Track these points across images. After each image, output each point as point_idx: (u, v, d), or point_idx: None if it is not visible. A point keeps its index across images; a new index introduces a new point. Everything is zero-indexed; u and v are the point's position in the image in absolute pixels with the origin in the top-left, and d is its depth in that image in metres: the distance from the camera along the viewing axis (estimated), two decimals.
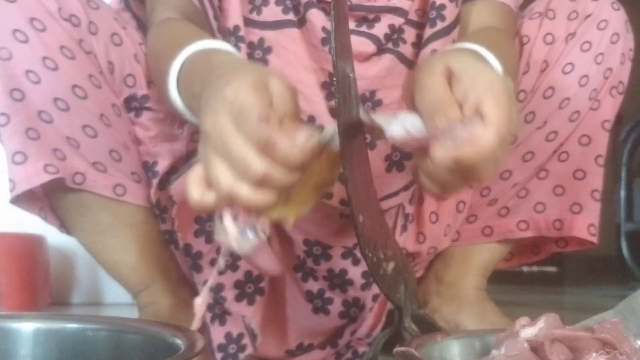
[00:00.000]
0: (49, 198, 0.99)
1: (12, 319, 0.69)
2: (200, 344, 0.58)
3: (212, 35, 0.91)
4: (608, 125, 1.07)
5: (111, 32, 0.98)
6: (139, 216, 1.00)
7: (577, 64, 1.04)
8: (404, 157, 0.96)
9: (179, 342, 0.60)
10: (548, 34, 1.05)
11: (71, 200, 0.97)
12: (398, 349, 0.59)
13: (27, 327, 0.68)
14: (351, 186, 0.67)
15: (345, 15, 0.69)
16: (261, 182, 0.59)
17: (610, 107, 1.06)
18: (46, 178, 0.90)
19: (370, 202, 0.74)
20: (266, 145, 0.58)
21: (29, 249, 1.66)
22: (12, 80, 0.89)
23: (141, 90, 1.00)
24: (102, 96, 0.96)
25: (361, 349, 1.02)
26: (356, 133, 0.70)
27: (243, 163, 0.58)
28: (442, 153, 0.61)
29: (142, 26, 1.05)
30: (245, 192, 0.59)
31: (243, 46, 0.93)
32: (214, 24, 0.92)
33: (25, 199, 0.97)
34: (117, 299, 1.80)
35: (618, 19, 1.03)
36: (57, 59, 0.91)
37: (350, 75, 0.68)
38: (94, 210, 0.97)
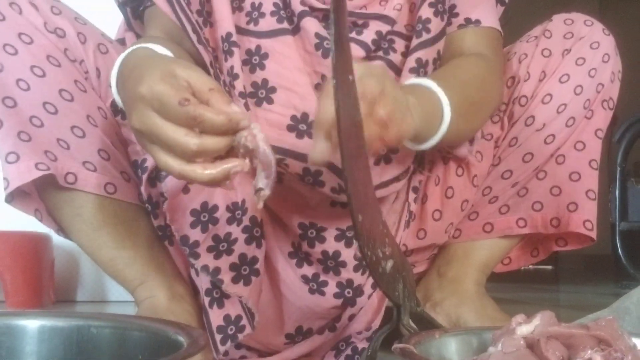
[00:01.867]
0: (44, 200, 1.03)
1: (17, 317, 0.70)
2: (202, 341, 0.59)
3: (193, 46, 0.97)
4: (601, 134, 1.14)
5: (98, 42, 1.05)
6: (130, 213, 1.03)
7: (572, 75, 1.11)
8: (390, 150, 0.99)
9: (181, 339, 0.61)
10: (545, 49, 1.13)
11: (64, 201, 1.00)
12: (397, 345, 0.60)
13: (32, 325, 0.69)
14: (351, 186, 0.68)
15: (344, 19, 0.70)
16: (199, 155, 0.67)
17: (602, 118, 1.13)
18: (37, 174, 0.94)
19: (369, 201, 0.75)
20: (194, 121, 0.66)
21: (34, 247, 1.67)
22: (4, 90, 0.95)
23: None
24: (87, 100, 1.01)
25: (360, 345, 1.04)
26: (356, 134, 0.71)
27: (178, 146, 0.67)
28: None
29: None
30: (195, 171, 0.68)
31: (237, 50, 0.99)
32: (194, 37, 0.96)
33: (21, 199, 1.02)
34: (121, 297, 1.80)
35: (609, 42, 1.12)
36: (45, 66, 0.97)
37: (350, 77, 0.69)
38: (86, 209, 1.00)
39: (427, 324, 0.83)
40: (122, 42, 1.13)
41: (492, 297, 1.18)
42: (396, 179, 1.02)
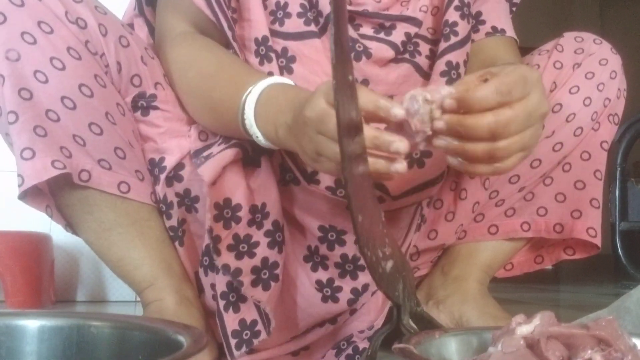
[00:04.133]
0: (55, 197, 1.00)
1: (17, 317, 0.70)
2: (202, 341, 0.59)
3: (228, 44, 0.97)
4: (606, 146, 1.17)
5: (119, 35, 1.01)
6: (142, 213, 1.02)
7: (582, 88, 1.14)
8: (423, 154, 1.00)
9: (181, 339, 0.61)
10: (557, 61, 1.16)
11: (77, 198, 0.98)
12: (397, 345, 0.60)
13: (32, 325, 0.69)
14: (350, 186, 0.68)
15: (344, 19, 0.70)
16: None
17: (608, 131, 1.16)
18: (53, 173, 0.91)
19: (369, 201, 0.75)
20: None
21: (34, 248, 1.66)
22: (20, 80, 0.91)
23: (148, 89, 1.03)
24: (107, 95, 0.98)
25: (361, 345, 1.04)
26: (356, 135, 0.71)
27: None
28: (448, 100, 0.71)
29: (153, 31, 1.10)
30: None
31: (274, 55, 0.99)
32: (229, 33, 0.96)
33: (33, 196, 0.99)
34: (121, 297, 1.81)
35: (616, 61, 1.15)
36: (65, 59, 0.93)
37: (350, 77, 0.69)
38: (99, 207, 0.98)
39: (427, 324, 0.83)
40: (130, 27, 1.11)
41: (493, 297, 1.19)
42: (431, 182, 1.02)
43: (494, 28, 1.13)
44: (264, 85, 0.87)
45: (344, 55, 0.68)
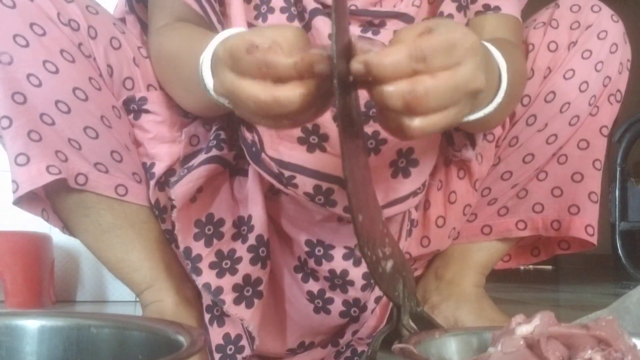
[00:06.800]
0: (51, 200, 1.00)
1: (17, 317, 0.69)
2: (202, 341, 0.59)
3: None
4: (606, 131, 1.10)
5: (110, 37, 0.99)
6: (140, 215, 1.01)
7: (577, 71, 1.06)
8: (409, 163, 0.96)
9: (181, 339, 0.61)
10: (552, 41, 1.08)
11: (73, 202, 0.97)
12: (397, 345, 0.60)
13: (32, 325, 0.69)
14: (350, 186, 0.68)
15: (345, 16, 0.69)
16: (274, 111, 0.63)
17: (608, 114, 1.09)
18: (49, 179, 0.90)
19: (369, 201, 0.75)
20: (265, 68, 0.61)
21: (34, 247, 1.66)
22: (13, 84, 0.90)
23: (139, 92, 1.01)
24: (102, 98, 0.97)
25: (360, 348, 1.03)
26: (356, 134, 0.71)
27: (256, 105, 0.62)
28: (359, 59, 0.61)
29: (146, 29, 1.07)
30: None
31: None
32: (219, 27, 0.93)
33: (28, 201, 0.98)
34: (121, 297, 1.81)
35: (617, 30, 1.07)
36: (58, 62, 0.91)
37: (350, 78, 0.69)
38: (96, 210, 0.97)
39: (427, 324, 0.83)
40: (123, 22, 1.08)
41: (492, 298, 1.18)
42: (414, 193, 0.97)
43: (485, 6, 1.03)
44: (214, 44, 0.80)
45: (344, 53, 0.67)
